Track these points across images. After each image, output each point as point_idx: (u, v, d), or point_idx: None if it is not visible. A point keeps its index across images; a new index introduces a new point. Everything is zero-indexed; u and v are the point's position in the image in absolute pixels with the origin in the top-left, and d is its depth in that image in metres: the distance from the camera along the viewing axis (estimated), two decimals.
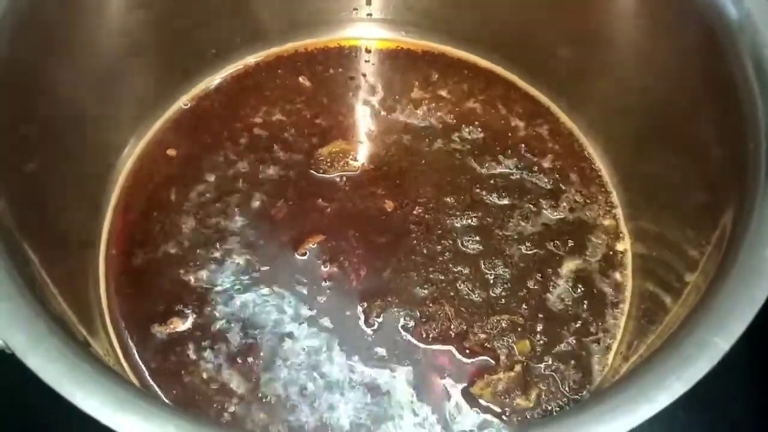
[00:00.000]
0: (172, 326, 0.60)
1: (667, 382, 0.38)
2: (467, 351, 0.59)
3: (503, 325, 0.60)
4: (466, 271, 0.63)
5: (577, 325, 0.61)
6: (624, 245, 0.66)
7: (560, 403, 0.57)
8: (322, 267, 0.63)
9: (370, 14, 0.75)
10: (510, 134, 0.71)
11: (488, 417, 0.56)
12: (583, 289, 0.63)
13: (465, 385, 0.58)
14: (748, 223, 0.45)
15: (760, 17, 0.49)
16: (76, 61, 0.59)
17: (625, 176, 0.68)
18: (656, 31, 0.59)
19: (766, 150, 0.46)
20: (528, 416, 0.57)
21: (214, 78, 0.73)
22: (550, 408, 0.57)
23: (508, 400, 0.57)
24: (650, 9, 0.59)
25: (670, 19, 0.57)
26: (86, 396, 0.37)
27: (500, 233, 0.65)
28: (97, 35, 0.61)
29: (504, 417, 0.56)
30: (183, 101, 0.71)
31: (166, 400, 0.57)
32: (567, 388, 0.58)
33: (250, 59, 0.74)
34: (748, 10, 0.50)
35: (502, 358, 0.59)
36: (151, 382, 0.58)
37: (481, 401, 0.57)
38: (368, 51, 0.76)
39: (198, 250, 0.63)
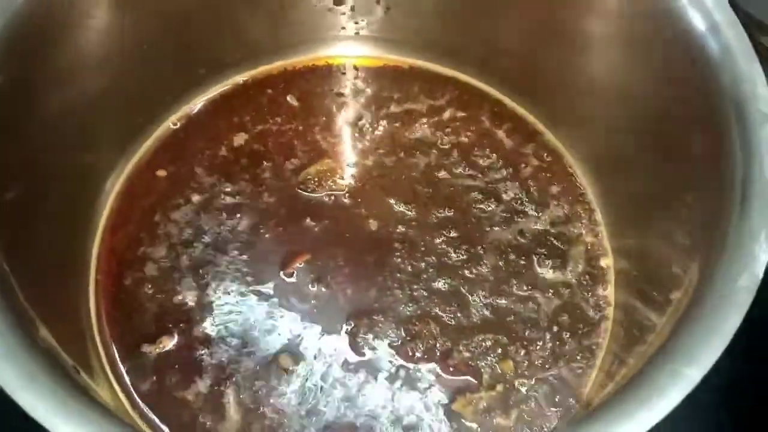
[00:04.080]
0: (161, 345, 0.61)
1: (637, 413, 0.40)
2: (451, 369, 0.60)
3: (487, 343, 0.61)
4: (451, 288, 0.64)
5: (560, 344, 0.62)
6: (607, 261, 0.67)
7: (541, 422, 0.58)
8: (310, 286, 0.64)
9: (357, 32, 0.76)
10: (495, 151, 0.72)
11: None
12: (566, 307, 0.64)
13: (447, 402, 0.59)
14: (723, 251, 0.46)
15: (739, 53, 0.50)
16: (63, 85, 0.59)
17: (610, 194, 0.69)
18: (640, 55, 0.60)
19: (741, 179, 0.47)
20: None
21: (203, 97, 0.73)
22: (530, 428, 0.58)
23: (488, 418, 0.58)
24: (635, 35, 0.59)
25: (653, 44, 0.57)
26: None
27: (483, 249, 0.66)
28: (84, 58, 0.61)
29: None
30: (172, 121, 0.72)
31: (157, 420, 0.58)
32: (548, 408, 0.59)
33: (239, 78, 0.74)
34: (727, 43, 0.51)
35: (485, 376, 0.60)
36: (140, 402, 0.59)
37: (462, 419, 0.58)
38: (356, 68, 0.76)
39: (187, 270, 0.64)
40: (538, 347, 0.62)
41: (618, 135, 0.66)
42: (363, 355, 0.61)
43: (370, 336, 0.61)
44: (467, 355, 0.61)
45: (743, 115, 0.48)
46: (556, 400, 0.60)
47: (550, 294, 0.64)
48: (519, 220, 0.68)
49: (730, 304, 0.43)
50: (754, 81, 0.50)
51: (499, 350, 0.61)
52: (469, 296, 0.64)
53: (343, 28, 0.75)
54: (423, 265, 0.65)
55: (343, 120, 0.73)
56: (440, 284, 0.64)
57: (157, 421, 0.58)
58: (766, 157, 0.46)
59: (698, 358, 0.41)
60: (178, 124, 0.72)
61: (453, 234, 0.67)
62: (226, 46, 0.72)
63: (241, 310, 0.62)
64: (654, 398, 0.40)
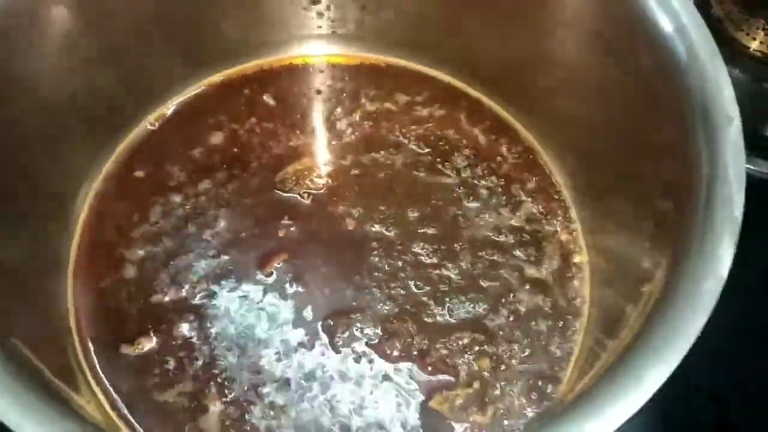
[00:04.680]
0: (140, 346, 0.61)
1: (603, 414, 0.41)
2: (429, 368, 0.61)
3: (464, 341, 0.62)
4: (428, 286, 0.64)
5: (536, 341, 0.63)
6: (582, 258, 0.67)
7: (517, 419, 0.59)
8: (288, 286, 0.64)
9: (334, 31, 0.76)
10: (472, 149, 0.72)
11: None
12: (541, 304, 0.64)
13: (424, 399, 0.60)
14: (689, 252, 0.47)
15: (705, 54, 0.51)
16: (36, 87, 0.60)
17: (584, 191, 0.69)
18: (612, 56, 0.60)
19: (706, 182, 0.48)
20: None
21: (180, 98, 0.73)
22: (506, 424, 0.59)
23: (465, 415, 0.59)
24: (606, 36, 0.59)
25: (624, 45, 0.58)
26: None
27: (459, 247, 0.66)
28: (55, 60, 0.61)
29: None
30: (149, 121, 0.72)
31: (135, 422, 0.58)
32: (524, 405, 0.60)
33: (215, 78, 0.74)
34: (693, 45, 0.51)
35: (462, 374, 0.61)
36: (120, 403, 0.59)
37: (439, 416, 0.59)
38: (333, 67, 0.76)
39: (164, 271, 0.65)
40: (514, 344, 0.62)
41: (591, 133, 0.66)
42: (341, 353, 0.61)
43: (348, 335, 0.62)
44: (444, 352, 0.62)
45: (709, 116, 0.49)
46: (533, 396, 0.60)
47: (525, 291, 0.65)
48: (495, 217, 0.68)
49: (696, 306, 0.44)
50: (719, 82, 0.50)
51: (476, 348, 0.62)
52: (447, 294, 0.64)
53: (320, 26, 0.75)
54: (400, 263, 0.66)
55: (321, 119, 0.74)
56: (417, 282, 0.65)
57: (135, 423, 0.58)
58: (731, 161, 0.47)
59: (663, 359, 0.42)
60: (156, 125, 0.72)
61: (430, 232, 0.67)
62: (202, 45, 0.72)
63: (219, 310, 0.63)
64: (620, 399, 0.41)
